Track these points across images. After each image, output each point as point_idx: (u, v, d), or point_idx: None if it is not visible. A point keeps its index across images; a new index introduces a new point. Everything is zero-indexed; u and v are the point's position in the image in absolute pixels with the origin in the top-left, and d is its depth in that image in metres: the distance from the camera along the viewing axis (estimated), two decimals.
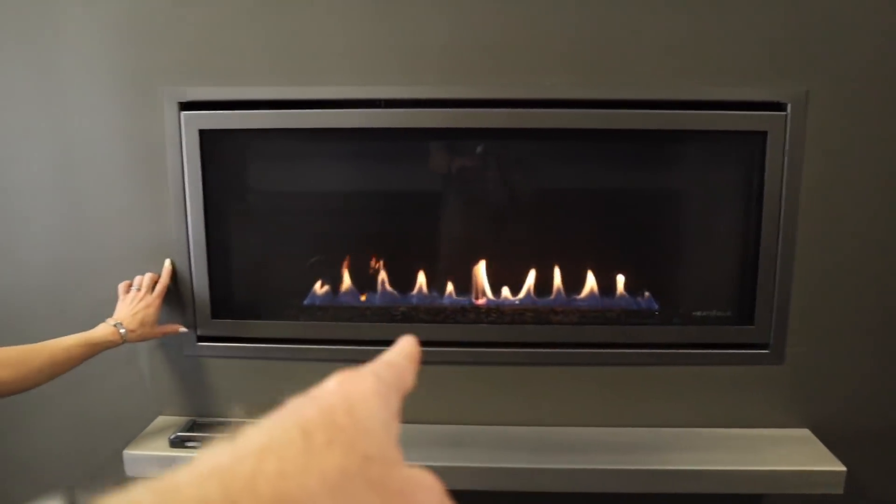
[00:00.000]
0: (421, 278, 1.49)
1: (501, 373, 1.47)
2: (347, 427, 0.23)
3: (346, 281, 1.50)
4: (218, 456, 0.21)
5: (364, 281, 1.50)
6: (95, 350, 1.24)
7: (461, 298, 1.49)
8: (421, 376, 1.37)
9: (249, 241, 1.51)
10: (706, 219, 1.48)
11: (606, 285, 1.49)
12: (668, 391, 1.46)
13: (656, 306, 1.49)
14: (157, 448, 1.39)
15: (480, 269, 1.48)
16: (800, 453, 1.37)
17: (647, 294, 1.50)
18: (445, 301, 1.49)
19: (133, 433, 1.44)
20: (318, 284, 1.51)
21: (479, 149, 1.45)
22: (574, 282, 1.49)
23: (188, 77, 1.37)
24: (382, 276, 1.49)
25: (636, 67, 1.34)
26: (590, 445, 1.41)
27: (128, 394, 1.51)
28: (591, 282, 1.48)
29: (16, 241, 1.46)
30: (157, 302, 1.36)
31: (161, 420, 1.50)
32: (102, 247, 1.45)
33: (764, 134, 1.35)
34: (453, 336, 1.45)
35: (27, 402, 1.53)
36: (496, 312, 1.48)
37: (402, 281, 1.50)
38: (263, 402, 1.48)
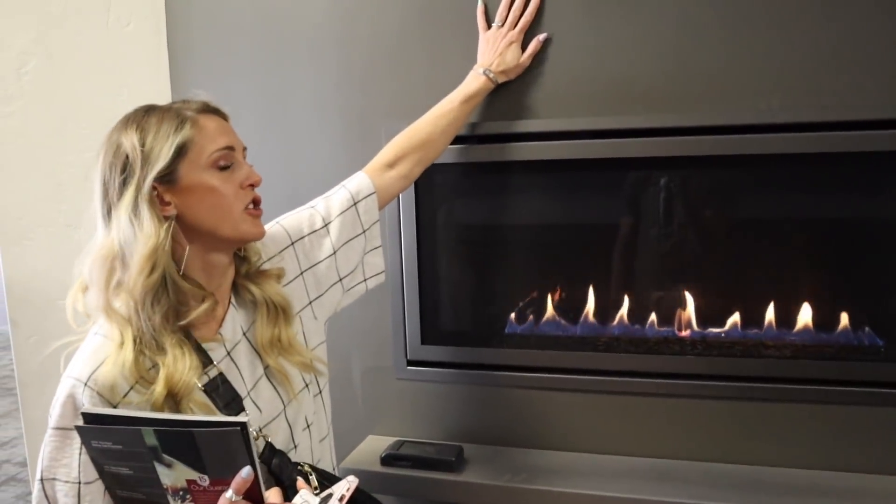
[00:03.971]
0: (623, 309, 1.49)
1: (708, 406, 1.43)
2: None
3: (549, 310, 1.53)
4: None
5: (566, 311, 1.52)
6: (476, 102, 1.33)
7: (664, 329, 1.47)
8: (624, 407, 1.37)
9: (456, 271, 1.58)
10: None
11: (822, 319, 1.41)
12: None
13: (880, 342, 1.40)
14: (370, 465, 1.47)
15: (687, 300, 1.46)
16: None
17: (867, 329, 1.41)
18: (648, 332, 1.48)
19: (346, 450, 1.53)
20: (518, 313, 1.55)
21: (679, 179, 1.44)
22: (786, 315, 1.43)
23: (404, 114, 1.46)
24: (587, 306, 1.50)
25: (861, 83, 1.27)
26: (810, 489, 1.32)
27: (341, 413, 1.61)
28: (805, 315, 1.41)
29: None
30: (520, 37, 1.34)
31: (371, 439, 1.59)
32: None
33: None
34: (656, 367, 1.44)
35: None
36: (702, 344, 1.45)
37: (605, 311, 1.50)
38: (467, 427, 1.53)
